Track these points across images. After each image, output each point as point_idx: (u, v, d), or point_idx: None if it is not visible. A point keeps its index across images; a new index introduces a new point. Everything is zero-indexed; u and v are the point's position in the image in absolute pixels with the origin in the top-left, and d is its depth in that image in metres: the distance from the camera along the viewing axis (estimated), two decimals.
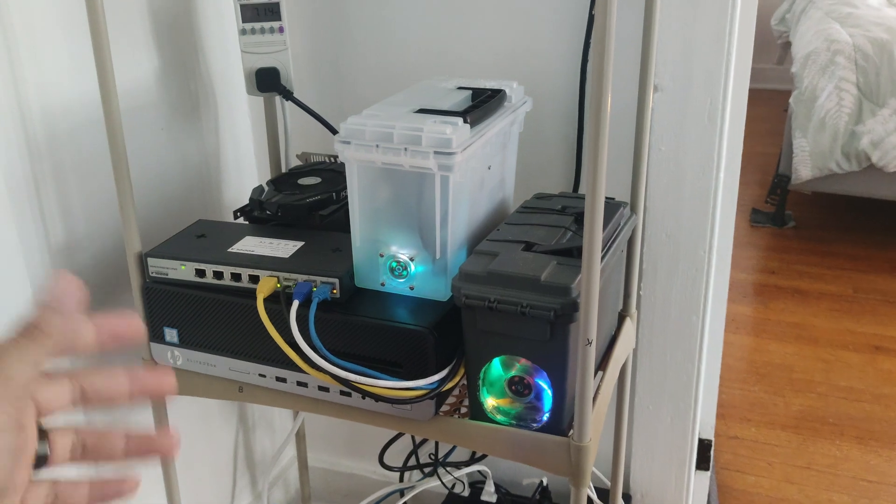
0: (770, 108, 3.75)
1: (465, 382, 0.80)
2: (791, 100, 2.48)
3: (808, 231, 2.74)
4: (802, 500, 1.53)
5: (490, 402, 0.78)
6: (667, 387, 1.16)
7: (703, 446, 1.33)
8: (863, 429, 1.73)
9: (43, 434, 0.42)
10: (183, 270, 0.86)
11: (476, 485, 1.27)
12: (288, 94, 1.04)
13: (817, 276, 2.42)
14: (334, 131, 1.06)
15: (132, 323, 0.44)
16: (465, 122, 0.76)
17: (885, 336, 2.08)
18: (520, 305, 0.71)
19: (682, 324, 1.12)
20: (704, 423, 1.34)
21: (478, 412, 0.79)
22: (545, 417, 0.77)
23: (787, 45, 3.13)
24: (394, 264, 0.81)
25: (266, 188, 0.97)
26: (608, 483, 1.18)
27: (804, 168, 2.45)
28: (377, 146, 0.74)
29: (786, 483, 1.57)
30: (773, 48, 3.48)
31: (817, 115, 2.40)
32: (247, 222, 0.96)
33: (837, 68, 2.37)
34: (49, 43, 0.88)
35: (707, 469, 1.36)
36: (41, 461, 0.42)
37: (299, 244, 0.87)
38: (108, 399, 0.44)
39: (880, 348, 2.02)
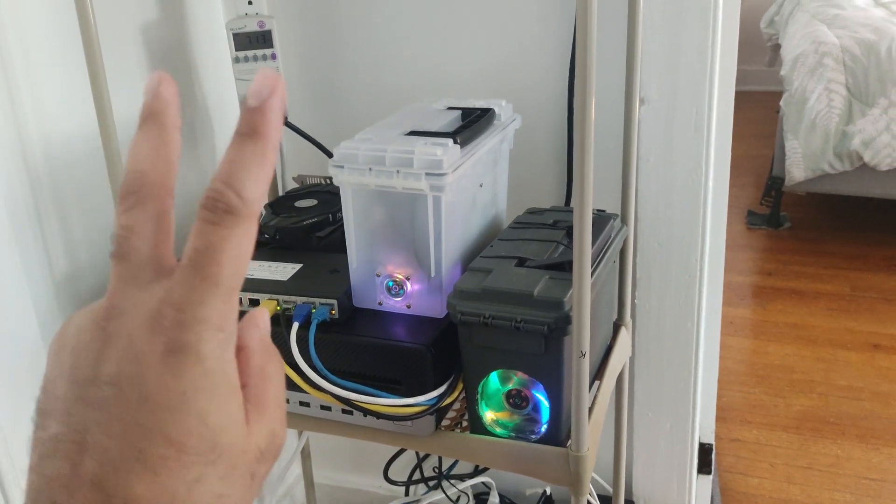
0: (762, 110, 3.77)
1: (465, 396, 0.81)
2: (782, 102, 2.50)
3: (804, 231, 2.75)
4: (805, 500, 1.54)
5: (489, 415, 0.80)
6: (665, 393, 1.17)
7: (704, 450, 1.34)
8: (864, 427, 1.74)
9: None
10: None
11: (481, 496, 1.29)
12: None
13: (814, 276, 2.43)
14: (329, 154, 1.08)
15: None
16: (456, 142, 0.77)
17: (883, 334, 2.09)
18: (514, 321, 0.72)
19: (678, 330, 1.13)
20: (704, 427, 1.35)
21: (477, 426, 0.80)
22: (543, 429, 0.78)
23: (778, 48, 3.15)
24: (390, 284, 0.82)
25: (264, 212, 0.99)
26: (611, 490, 1.19)
27: (797, 169, 2.47)
28: (370, 169, 0.76)
29: (788, 484, 1.58)
30: (763, 51, 3.51)
31: (808, 116, 2.42)
32: None
33: (826, 70, 2.39)
34: (47, 75, 0.90)
35: (709, 473, 1.37)
36: None
37: (298, 266, 0.89)
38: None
39: (879, 346, 2.04)
